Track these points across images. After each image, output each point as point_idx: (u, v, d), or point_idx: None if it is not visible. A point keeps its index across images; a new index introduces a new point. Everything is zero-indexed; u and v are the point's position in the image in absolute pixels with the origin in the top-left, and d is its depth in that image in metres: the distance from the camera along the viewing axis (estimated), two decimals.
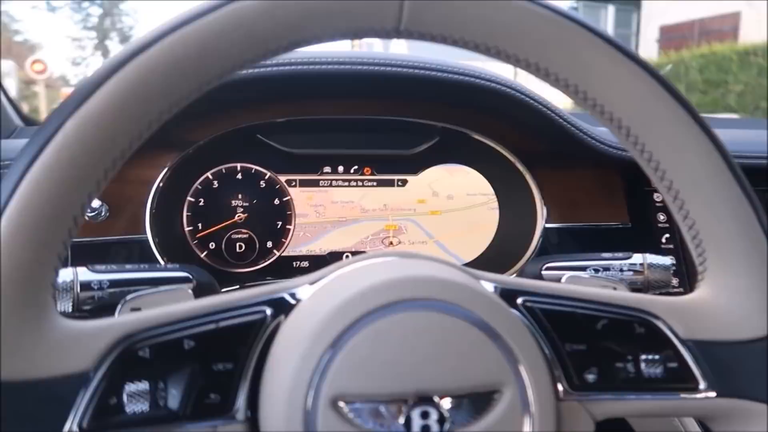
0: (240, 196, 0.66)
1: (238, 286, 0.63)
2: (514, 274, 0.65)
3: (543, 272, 0.54)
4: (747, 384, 0.35)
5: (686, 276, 0.61)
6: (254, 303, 0.34)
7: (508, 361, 0.32)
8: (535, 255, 0.64)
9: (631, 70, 0.35)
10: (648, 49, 10.55)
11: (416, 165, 0.69)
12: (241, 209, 0.66)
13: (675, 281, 0.60)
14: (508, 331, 0.32)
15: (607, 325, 0.36)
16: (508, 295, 0.35)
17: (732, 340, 0.36)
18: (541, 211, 0.66)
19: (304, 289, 0.35)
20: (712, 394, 0.35)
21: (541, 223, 0.66)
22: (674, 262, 0.54)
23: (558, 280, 0.52)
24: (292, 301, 0.34)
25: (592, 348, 0.36)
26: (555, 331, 0.35)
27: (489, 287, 0.35)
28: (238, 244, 0.66)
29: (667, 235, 0.64)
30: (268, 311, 0.34)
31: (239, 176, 0.66)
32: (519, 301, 0.36)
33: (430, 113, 0.67)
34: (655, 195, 0.66)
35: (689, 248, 0.39)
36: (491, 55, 0.35)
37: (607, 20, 12.29)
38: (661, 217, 0.65)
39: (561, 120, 0.63)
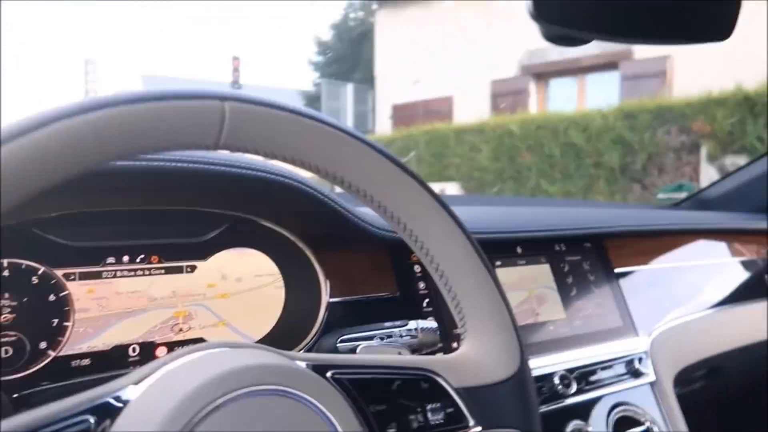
0: (7, 295, 0.60)
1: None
2: (306, 348, 0.70)
3: (338, 345, 0.61)
4: (502, 415, 0.46)
5: (447, 335, 0.74)
6: (76, 413, 0.34)
7: (329, 428, 0.37)
8: (323, 328, 0.71)
9: (405, 180, 0.45)
10: (383, 124, 11.87)
11: (205, 251, 0.71)
12: (8, 309, 0.60)
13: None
14: (325, 403, 0.38)
15: (400, 385, 0.44)
16: (319, 370, 0.41)
17: (489, 383, 0.47)
18: (325, 288, 0.73)
19: (129, 391, 0.35)
20: (479, 428, 0.45)
21: (325, 299, 0.73)
22: (438, 324, 0.66)
23: (353, 350, 0.59)
24: (118, 405, 0.35)
25: (390, 406, 0.43)
26: (361, 396, 0.42)
27: (302, 365, 0.40)
28: (4, 349, 0.59)
29: (427, 300, 0.77)
30: (92, 419, 0.34)
31: (6, 273, 0.60)
32: (329, 374, 0.42)
33: (218, 202, 0.70)
34: (415, 267, 0.79)
35: (452, 313, 0.49)
36: (295, 164, 0.42)
37: (348, 96, 13.46)
38: (422, 285, 0.78)
39: (335, 206, 0.72)
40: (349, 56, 17.45)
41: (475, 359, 0.47)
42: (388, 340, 0.58)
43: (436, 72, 10.74)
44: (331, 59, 18.84)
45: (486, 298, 0.48)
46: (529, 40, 8.94)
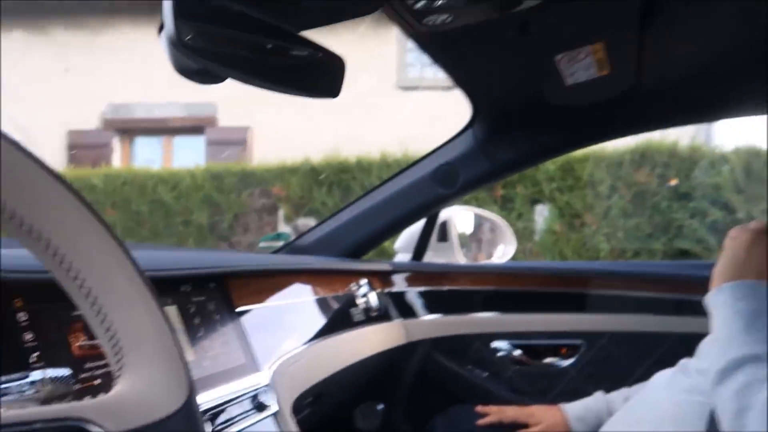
0: None
1: None
2: None
3: None
4: None
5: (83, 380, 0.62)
6: None
7: None
8: None
9: (62, 195, 0.37)
10: None
11: None
12: None
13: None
14: None
15: None
16: None
17: (155, 420, 0.41)
18: None
19: None
20: None
21: None
22: (72, 372, 0.54)
23: None
24: None
25: None
26: None
27: None
28: None
29: (37, 353, 0.63)
30: None
31: None
32: None
33: None
34: (19, 315, 0.64)
35: (105, 349, 0.42)
36: None
37: None
38: (29, 336, 0.63)
39: None
40: None
41: (136, 397, 0.41)
42: (7, 397, 0.44)
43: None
44: None
45: (149, 326, 0.42)
46: (112, 93, 8.56)
